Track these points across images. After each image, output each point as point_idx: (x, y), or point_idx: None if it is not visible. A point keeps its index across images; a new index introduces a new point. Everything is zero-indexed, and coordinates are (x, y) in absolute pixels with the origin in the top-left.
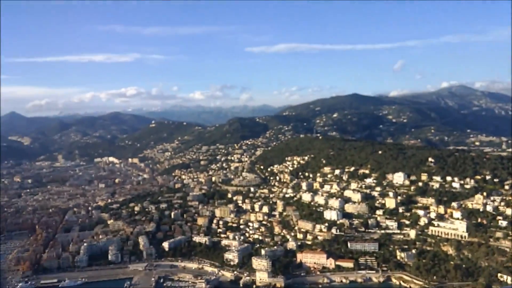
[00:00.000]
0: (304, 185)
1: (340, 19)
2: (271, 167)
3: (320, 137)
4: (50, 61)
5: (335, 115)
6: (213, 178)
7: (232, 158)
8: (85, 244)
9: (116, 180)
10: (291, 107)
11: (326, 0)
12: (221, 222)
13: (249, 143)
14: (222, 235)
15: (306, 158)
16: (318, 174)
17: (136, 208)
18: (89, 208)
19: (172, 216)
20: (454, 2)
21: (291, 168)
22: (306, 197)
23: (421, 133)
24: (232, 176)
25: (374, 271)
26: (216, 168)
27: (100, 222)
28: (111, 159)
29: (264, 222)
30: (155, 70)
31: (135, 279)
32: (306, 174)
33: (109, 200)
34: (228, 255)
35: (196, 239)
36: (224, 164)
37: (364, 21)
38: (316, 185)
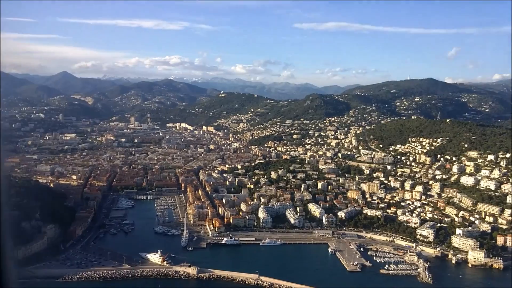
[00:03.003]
0: (455, 168)
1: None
2: (392, 146)
3: (448, 120)
4: (100, 24)
5: (417, 99)
6: (320, 152)
7: (327, 134)
8: (262, 206)
9: (211, 147)
10: (359, 86)
11: None
12: (374, 198)
13: (336, 120)
14: (388, 210)
15: (438, 140)
16: (464, 158)
17: (273, 176)
18: (215, 171)
19: (319, 187)
20: None
21: (423, 150)
22: (467, 180)
23: (510, 125)
24: (349, 153)
25: None
26: (311, 143)
27: (241, 185)
28: (183, 125)
29: (424, 202)
30: (201, 40)
31: (332, 245)
32: (447, 157)
33: (227, 166)
34: (421, 231)
35: (367, 212)
36: (319, 140)
37: (420, 4)
38: (470, 169)
